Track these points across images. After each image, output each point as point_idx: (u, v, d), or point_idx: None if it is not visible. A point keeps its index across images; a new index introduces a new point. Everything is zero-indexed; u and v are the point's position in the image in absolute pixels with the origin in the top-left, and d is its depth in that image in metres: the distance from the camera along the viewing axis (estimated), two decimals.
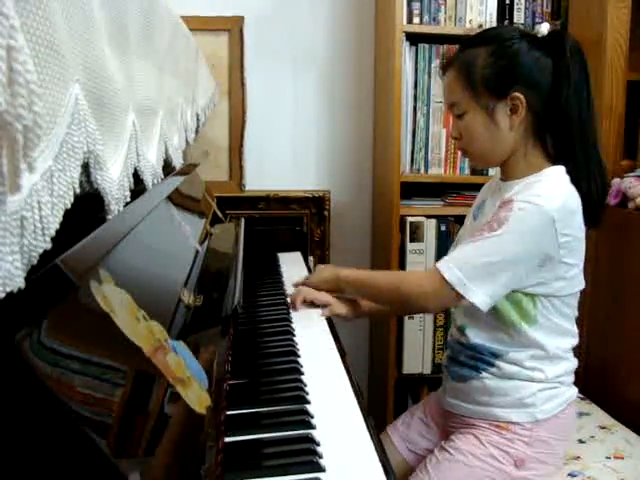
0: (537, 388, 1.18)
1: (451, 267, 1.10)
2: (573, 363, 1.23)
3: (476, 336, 1.21)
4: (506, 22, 2.00)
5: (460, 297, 1.10)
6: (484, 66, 1.15)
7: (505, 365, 1.19)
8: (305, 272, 1.69)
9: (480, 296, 1.09)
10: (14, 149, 0.34)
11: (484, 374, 1.21)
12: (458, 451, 1.20)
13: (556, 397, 1.19)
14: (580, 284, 1.19)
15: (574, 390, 1.24)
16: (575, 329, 1.22)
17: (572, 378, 1.24)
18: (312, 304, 1.37)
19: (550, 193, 1.10)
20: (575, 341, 1.23)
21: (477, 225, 1.26)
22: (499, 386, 1.19)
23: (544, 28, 1.18)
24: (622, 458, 1.33)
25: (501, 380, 1.19)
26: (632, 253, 1.65)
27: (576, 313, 1.22)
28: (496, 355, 1.20)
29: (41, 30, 0.42)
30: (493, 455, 1.17)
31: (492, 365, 1.20)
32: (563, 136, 1.16)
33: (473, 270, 1.09)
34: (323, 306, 1.37)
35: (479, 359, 1.21)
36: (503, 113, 1.15)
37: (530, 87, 1.14)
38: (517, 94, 1.13)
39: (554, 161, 1.17)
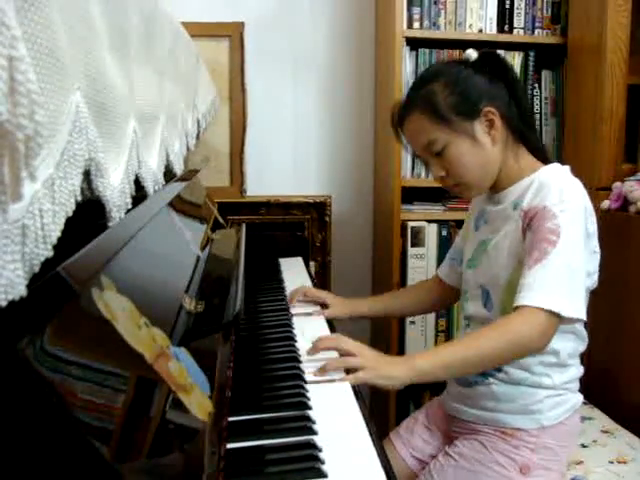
0: (544, 395, 1.18)
1: (545, 297, 1.04)
2: (580, 370, 1.23)
3: None
4: (506, 27, 2.01)
5: (563, 320, 1.05)
6: (445, 96, 1.16)
7: (513, 370, 1.18)
8: (306, 277, 1.69)
9: (580, 309, 1.07)
10: (15, 158, 0.34)
11: (491, 379, 1.20)
12: (462, 457, 1.19)
13: (562, 404, 1.19)
14: (596, 281, 1.20)
15: (580, 397, 1.24)
16: (585, 333, 1.23)
17: (578, 385, 1.24)
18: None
19: (572, 187, 1.13)
20: (584, 346, 1.23)
21: (480, 235, 1.27)
22: (506, 392, 1.19)
23: (472, 53, 1.22)
24: (625, 463, 1.32)
25: (508, 386, 1.19)
26: (633, 257, 1.65)
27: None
28: None
29: (42, 39, 0.42)
30: (498, 461, 1.17)
31: (500, 370, 1.19)
32: (535, 135, 1.25)
33: (567, 288, 1.06)
34: (322, 306, 1.39)
35: None
36: (482, 131, 1.17)
37: (494, 99, 1.18)
38: (488, 108, 1.16)
39: (541, 159, 1.22)
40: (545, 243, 1.07)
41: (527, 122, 1.21)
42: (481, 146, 1.17)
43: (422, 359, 1.06)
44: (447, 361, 1.07)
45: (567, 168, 1.19)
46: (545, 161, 1.22)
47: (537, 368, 1.17)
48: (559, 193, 1.11)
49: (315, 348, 1.12)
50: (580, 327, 1.21)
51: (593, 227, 1.15)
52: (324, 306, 1.43)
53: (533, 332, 1.04)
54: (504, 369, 1.19)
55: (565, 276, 1.06)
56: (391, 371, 1.04)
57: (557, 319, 1.05)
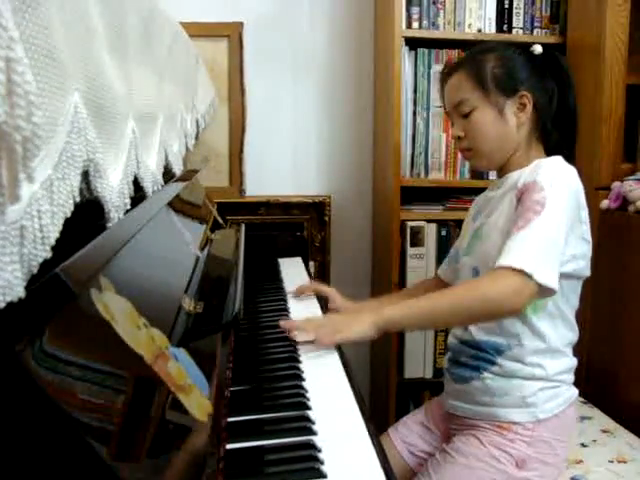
0: (538, 387, 1.19)
1: (523, 258, 1.06)
2: (573, 361, 1.24)
3: (479, 330, 1.23)
4: (505, 27, 2.01)
5: (539, 286, 1.05)
6: (494, 67, 1.23)
7: (506, 362, 1.20)
8: (306, 277, 1.69)
9: (553, 278, 1.07)
10: (13, 159, 0.34)
11: (485, 374, 1.22)
12: (459, 453, 1.20)
13: (557, 396, 1.20)
14: (587, 270, 1.22)
15: (574, 390, 1.25)
16: (575, 324, 1.24)
17: (572, 378, 1.25)
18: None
19: (566, 170, 1.17)
20: (575, 337, 1.24)
21: (477, 224, 1.29)
22: (500, 385, 1.20)
23: (538, 47, 1.28)
24: (625, 462, 1.32)
25: (502, 379, 1.20)
26: (633, 256, 1.65)
27: (577, 304, 1.24)
28: (498, 351, 1.20)
29: (40, 40, 0.42)
30: (494, 456, 1.17)
31: (493, 363, 1.21)
32: (568, 133, 1.26)
33: (542, 255, 1.07)
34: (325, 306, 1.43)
35: (480, 358, 1.22)
36: (511, 111, 1.23)
37: (536, 88, 1.23)
38: (525, 92, 1.22)
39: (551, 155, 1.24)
40: (530, 212, 1.10)
41: (559, 126, 1.25)
42: (505, 122, 1.23)
43: (391, 310, 1.13)
44: (417, 311, 1.13)
45: (562, 159, 1.21)
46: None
47: (529, 358, 1.19)
48: (551, 172, 1.15)
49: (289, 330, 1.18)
50: (568, 314, 1.21)
51: (585, 213, 1.17)
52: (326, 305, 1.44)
53: (506, 290, 1.06)
54: (497, 362, 1.20)
55: (543, 244, 1.08)
56: (354, 324, 1.12)
57: (532, 283, 1.05)
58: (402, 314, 1.13)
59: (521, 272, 1.04)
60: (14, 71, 0.32)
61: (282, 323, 1.20)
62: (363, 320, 1.11)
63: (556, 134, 1.26)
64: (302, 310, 1.41)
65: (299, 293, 1.50)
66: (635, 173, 1.76)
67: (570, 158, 1.23)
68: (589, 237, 1.19)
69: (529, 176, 1.17)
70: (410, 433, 1.38)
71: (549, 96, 1.24)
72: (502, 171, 1.28)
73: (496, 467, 1.17)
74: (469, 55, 1.30)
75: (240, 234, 1.65)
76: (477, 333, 1.23)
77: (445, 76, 1.31)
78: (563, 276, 1.14)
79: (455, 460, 1.20)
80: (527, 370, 1.19)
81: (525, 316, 1.17)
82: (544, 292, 1.08)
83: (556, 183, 1.12)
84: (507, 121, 1.23)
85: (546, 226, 1.09)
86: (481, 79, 1.23)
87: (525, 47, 1.28)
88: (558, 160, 1.20)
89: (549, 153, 1.25)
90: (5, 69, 0.32)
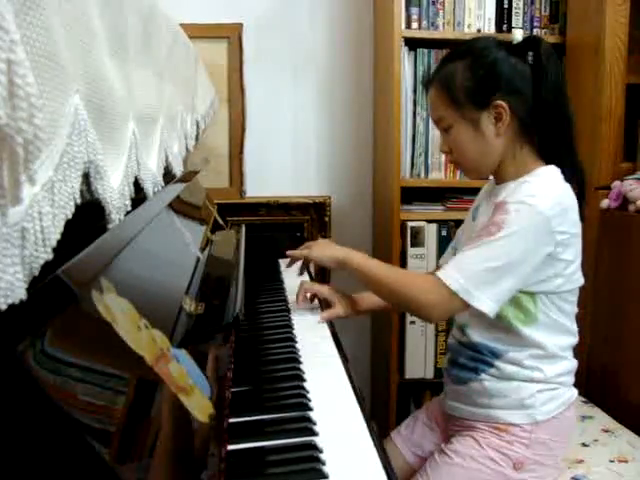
0: (536, 389, 1.18)
1: (454, 276, 1.09)
2: (572, 363, 1.23)
3: (477, 335, 1.22)
4: (504, 26, 2.01)
5: (466, 305, 1.09)
6: (463, 79, 1.17)
7: (504, 365, 1.19)
8: (306, 277, 1.69)
9: (486, 302, 1.09)
10: (15, 161, 0.34)
11: (483, 375, 1.21)
12: (457, 454, 1.20)
13: (556, 398, 1.19)
14: (579, 280, 1.19)
15: (574, 391, 1.24)
16: (575, 327, 1.22)
17: (572, 379, 1.24)
18: (313, 298, 1.46)
19: (542, 192, 1.11)
20: (575, 340, 1.23)
21: (475, 227, 1.27)
22: (498, 387, 1.20)
23: (518, 35, 1.20)
24: (626, 462, 1.32)
25: (500, 381, 1.20)
26: (633, 256, 1.65)
27: (575, 310, 1.22)
28: (496, 355, 1.20)
29: (41, 42, 0.42)
30: (492, 457, 1.17)
31: (491, 366, 1.20)
32: (547, 136, 1.18)
33: (477, 277, 1.08)
34: (325, 305, 1.39)
35: (479, 360, 1.22)
36: (488, 122, 1.17)
37: (511, 93, 1.16)
38: (499, 102, 1.15)
39: (545, 160, 1.19)
40: (485, 232, 1.11)
41: (544, 122, 1.17)
42: (483, 136, 1.18)
43: (359, 255, 1.27)
44: (366, 268, 1.24)
45: (558, 172, 1.17)
46: (548, 162, 1.19)
47: (527, 362, 1.18)
48: (525, 196, 1.10)
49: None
50: (565, 322, 1.19)
51: (563, 237, 1.11)
52: (326, 303, 1.43)
53: (427, 300, 1.12)
54: (495, 364, 1.20)
55: (486, 266, 1.08)
56: (325, 250, 1.33)
57: (459, 301, 1.09)
58: (359, 266, 1.25)
59: (448, 288, 1.09)
60: (15, 73, 0.32)
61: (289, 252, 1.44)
62: (333, 251, 1.32)
63: (537, 139, 1.19)
64: (304, 310, 1.41)
65: (297, 304, 1.45)
66: (635, 172, 1.77)
67: (568, 156, 1.19)
68: (570, 256, 1.14)
69: (510, 193, 1.14)
70: (413, 434, 1.38)
71: (526, 95, 1.16)
72: (499, 177, 1.24)
73: (494, 469, 1.17)
74: (441, 65, 1.24)
75: (240, 235, 1.65)
76: (475, 336, 1.22)
77: (426, 86, 1.26)
78: (544, 293, 1.15)
79: (453, 461, 1.19)
80: (525, 373, 1.18)
81: (519, 325, 1.16)
82: (476, 310, 1.10)
83: (523, 209, 1.09)
84: (485, 134, 1.17)
85: (492, 249, 1.08)
86: (452, 94, 1.17)
87: (505, 41, 1.21)
88: (548, 177, 1.16)
89: (543, 154, 1.19)
90: (7, 71, 0.32)
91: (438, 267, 1.50)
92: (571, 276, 1.16)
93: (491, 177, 1.29)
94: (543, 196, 1.10)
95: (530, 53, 1.17)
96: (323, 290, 1.43)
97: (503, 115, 1.15)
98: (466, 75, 1.17)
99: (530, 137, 1.19)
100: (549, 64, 1.16)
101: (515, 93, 1.16)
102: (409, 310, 1.25)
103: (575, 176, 1.19)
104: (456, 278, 1.09)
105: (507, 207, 1.10)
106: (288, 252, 1.44)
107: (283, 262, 1.87)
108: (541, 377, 1.18)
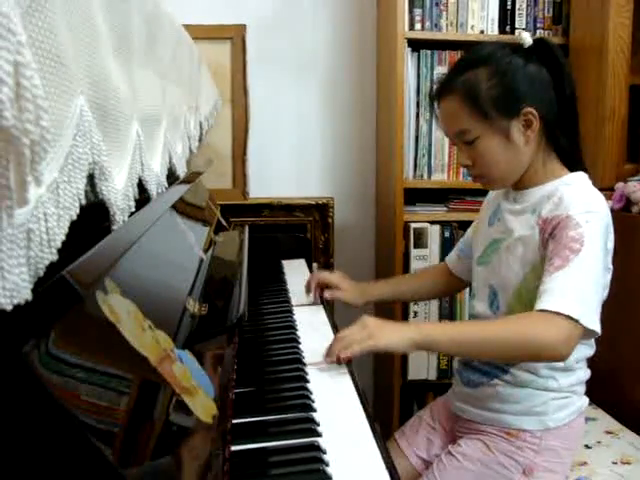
0: (550, 397, 1.17)
1: (568, 303, 1.01)
2: (586, 373, 1.23)
3: None
4: (507, 28, 2.01)
5: (583, 329, 1.01)
6: (489, 87, 1.12)
7: (520, 373, 1.18)
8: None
9: (596, 321, 1.03)
10: (21, 163, 0.34)
11: (496, 380, 1.20)
12: (465, 457, 1.19)
13: (568, 406, 1.19)
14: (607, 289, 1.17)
15: (585, 399, 1.23)
16: (592, 340, 1.19)
17: (584, 388, 1.23)
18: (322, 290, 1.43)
19: (595, 198, 1.11)
20: (591, 351, 1.21)
21: (492, 232, 1.25)
22: (511, 393, 1.19)
23: (527, 38, 1.17)
24: (629, 463, 1.32)
25: (513, 388, 1.18)
26: (636, 257, 1.65)
27: None
28: (512, 363, 1.18)
29: (47, 43, 0.42)
30: (501, 462, 1.17)
31: (506, 372, 1.19)
32: (574, 137, 1.18)
33: (588, 297, 1.03)
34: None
35: (493, 364, 1.20)
36: (518, 130, 1.13)
37: (537, 98, 1.13)
38: (529, 109, 1.12)
39: (569, 164, 1.18)
40: (567, 251, 1.04)
41: (566, 123, 1.16)
42: (513, 145, 1.14)
43: (432, 326, 1.11)
44: (457, 336, 1.07)
45: (587, 177, 1.16)
46: (572, 168, 1.18)
47: (543, 371, 1.16)
48: (585, 205, 1.08)
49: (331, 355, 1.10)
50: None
51: (611, 244, 1.12)
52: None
53: (558, 337, 1.00)
54: (510, 371, 1.18)
55: (585, 286, 1.03)
56: (391, 334, 1.06)
57: (578, 328, 1.00)
58: (448, 338, 1.06)
59: (569, 317, 0.99)
60: (22, 75, 0.33)
61: (327, 360, 1.11)
62: (402, 332, 1.06)
63: (566, 136, 1.17)
64: (306, 311, 1.41)
65: (309, 290, 1.47)
66: (638, 174, 1.76)
67: (575, 155, 1.19)
68: (611, 265, 1.14)
69: (558, 208, 1.10)
70: (416, 435, 1.37)
71: (550, 99, 1.14)
72: (518, 185, 1.20)
73: (503, 474, 1.16)
74: (458, 72, 1.16)
75: (244, 236, 1.65)
76: None
77: (437, 98, 1.19)
78: None
79: (461, 465, 1.19)
80: (540, 382, 1.17)
81: None
82: (589, 335, 1.05)
83: (592, 218, 1.06)
84: (515, 143, 1.13)
85: (586, 266, 1.03)
86: (479, 105, 1.12)
87: (515, 45, 1.17)
88: (584, 184, 1.15)
89: (561, 156, 1.18)
90: (14, 73, 0.32)
91: (445, 265, 1.49)
92: (608, 285, 1.15)
93: None
94: (599, 202, 1.10)
95: (545, 55, 1.15)
96: (332, 278, 1.44)
97: (533, 122, 1.12)
98: (492, 83, 1.12)
99: (555, 142, 1.17)
100: (565, 65, 1.15)
101: (540, 98, 1.13)
102: (538, 359, 1.11)
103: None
104: (571, 305, 1.00)
105: (575, 220, 1.06)
106: (337, 349, 1.09)
107: (286, 263, 1.88)
108: (555, 386, 1.17)
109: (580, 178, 1.16)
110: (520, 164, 1.16)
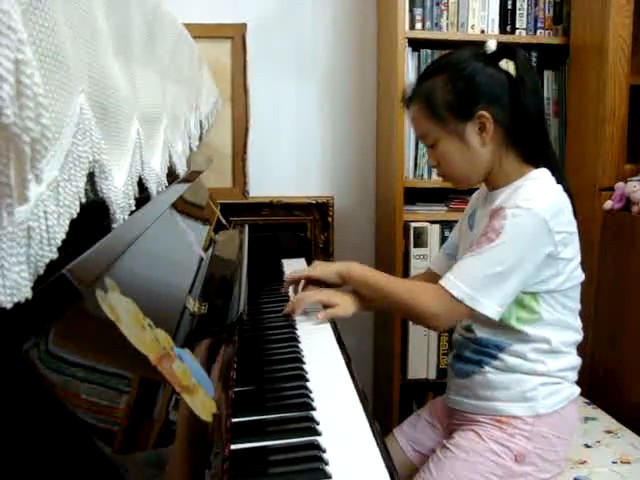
0: (539, 382, 1.19)
1: (457, 284, 1.12)
2: (576, 360, 1.25)
3: (482, 330, 1.23)
4: (508, 27, 2.01)
5: (471, 311, 1.13)
6: (444, 93, 1.19)
7: (508, 358, 1.21)
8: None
9: (491, 307, 1.12)
10: (22, 161, 0.34)
11: (487, 368, 1.23)
12: (459, 448, 1.21)
13: (558, 393, 1.21)
14: (579, 277, 1.22)
15: (576, 388, 1.25)
16: (578, 323, 1.24)
17: (575, 376, 1.25)
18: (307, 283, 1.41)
19: (537, 195, 1.14)
20: (579, 337, 1.25)
21: (473, 235, 1.27)
22: (501, 379, 1.21)
23: (492, 44, 1.21)
24: (629, 463, 1.32)
25: (503, 373, 1.21)
26: (636, 257, 1.65)
27: (578, 306, 1.24)
28: (500, 348, 1.21)
29: (47, 42, 0.42)
30: (493, 450, 1.18)
31: (495, 358, 1.22)
32: (532, 140, 1.20)
33: (480, 283, 1.11)
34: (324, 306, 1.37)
35: (483, 353, 1.23)
36: (473, 133, 1.19)
37: (492, 102, 1.18)
38: (482, 112, 1.17)
39: (534, 164, 1.21)
40: (484, 238, 1.13)
41: (528, 124, 1.19)
42: (469, 147, 1.20)
43: (358, 267, 1.29)
44: (370, 279, 1.26)
45: (549, 173, 1.19)
46: (538, 165, 1.21)
47: (531, 355, 1.19)
48: (522, 200, 1.13)
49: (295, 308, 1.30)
50: (569, 319, 1.21)
51: (561, 236, 1.14)
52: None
53: (433, 311, 1.15)
54: (499, 356, 1.21)
55: (488, 272, 1.11)
56: (325, 267, 1.34)
57: (464, 308, 1.12)
58: (363, 279, 1.27)
59: (453, 296, 1.12)
60: (23, 73, 0.33)
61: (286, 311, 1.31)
62: (335, 266, 1.34)
63: (522, 144, 1.20)
64: (307, 310, 1.41)
65: (290, 283, 1.42)
66: (638, 174, 1.76)
67: (553, 157, 1.23)
68: (569, 254, 1.16)
69: (506, 199, 1.16)
70: (414, 431, 1.39)
71: (506, 102, 1.18)
72: (490, 185, 1.26)
73: (495, 461, 1.18)
74: (422, 79, 1.25)
75: (243, 235, 1.65)
76: (480, 332, 1.23)
77: (405, 104, 1.28)
78: (546, 292, 1.17)
79: (455, 455, 1.20)
80: (529, 365, 1.20)
81: (524, 323, 1.18)
82: (482, 315, 1.13)
83: (521, 213, 1.11)
84: (472, 145, 1.19)
85: (494, 255, 1.11)
86: (434, 110, 1.19)
87: (480, 52, 1.21)
88: (541, 179, 1.18)
89: (529, 157, 1.21)
90: (14, 71, 0.32)
91: (430, 271, 1.50)
92: (571, 273, 1.19)
93: (482, 184, 1.30)
94: (538, 199, 1.13)
95: (506, 61, 1.18)
96: (321, 296, 1.33)
97: (487, 124, 1.17)
98: (446, 89, 1.19)
99: (515, 143, 1.20)
100: (526, 70, 1.19)
101: (496, 102, 1.18)
102: (414, 319, 1.27)
103: (561, 175, 1.22)
104: (459, 286, 1.12)
105: (504, 212, 1.13)
106: (287, 275, 1.42)
107: (286, 262, 1.88)
108: (544, 370, 1.19)
109: (539, 174, 1.20)
110: (480, 164, 1.22)
